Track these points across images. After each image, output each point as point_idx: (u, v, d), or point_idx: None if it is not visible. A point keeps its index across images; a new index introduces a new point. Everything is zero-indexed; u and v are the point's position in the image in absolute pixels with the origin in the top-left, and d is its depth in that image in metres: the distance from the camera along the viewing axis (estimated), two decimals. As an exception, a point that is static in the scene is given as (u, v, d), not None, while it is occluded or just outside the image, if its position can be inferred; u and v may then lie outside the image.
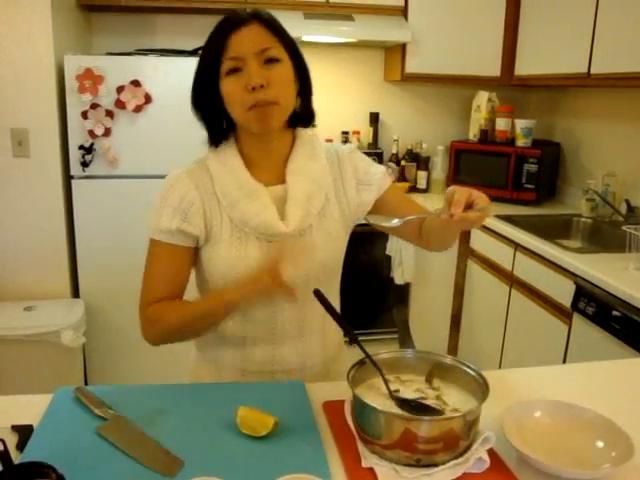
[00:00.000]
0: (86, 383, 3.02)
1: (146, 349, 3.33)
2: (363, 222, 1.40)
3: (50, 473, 0.85)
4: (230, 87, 1.19)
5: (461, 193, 1.14)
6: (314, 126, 1.37)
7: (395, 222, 1.20)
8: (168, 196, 1.27)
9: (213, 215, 1.27)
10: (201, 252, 1.30)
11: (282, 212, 1.27)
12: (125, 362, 3.10)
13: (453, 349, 3.40)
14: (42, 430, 1.08)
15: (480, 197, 1.16)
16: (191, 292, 1.37)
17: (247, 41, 1.17)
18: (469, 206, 1.15)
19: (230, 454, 1.02)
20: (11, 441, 1.02)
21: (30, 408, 1.16)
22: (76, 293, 3.01)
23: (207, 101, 1.24)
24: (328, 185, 1.34)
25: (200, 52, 1.25)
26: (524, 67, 3.39)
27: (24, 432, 1.07)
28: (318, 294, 1.21)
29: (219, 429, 1.09)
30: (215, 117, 1.27)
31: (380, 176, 1.41)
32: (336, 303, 1.42)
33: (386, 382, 1.12)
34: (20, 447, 1.02)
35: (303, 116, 1.33)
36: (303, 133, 1.35)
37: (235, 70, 1.18)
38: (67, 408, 1.15)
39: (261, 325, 1.32)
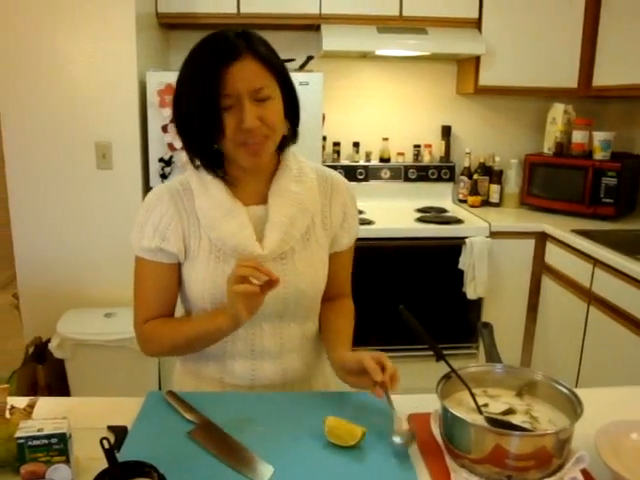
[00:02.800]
0: (160, 388, 3.10)
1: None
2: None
3: (152, 473, 0.88)
4: (225, 125, 1.16)
5: (369, 362, 1.14)
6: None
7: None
8: (149, 214, 1.28)
9: (192, 234, 1.27)
10: (182, 269, 1.31)
11: (261, 233, 1.26)
12: (198, 370, 3.17)
13: (526, 365, 3.32)
14: (136, 431, 1.12)
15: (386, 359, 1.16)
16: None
17: (241, 79, 1.14)
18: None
19: (318, 463, 1.03)
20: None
21: (123, 410, 1.21)
22: (153, 301, 3.09)
23: (196, 126, 1.19)
24: (314, 209, 1.32)
25: (187, 74, 1.20)
26: (603, 77, 3.30)
27: (119, 433, 1.11)
28: (404, 313, 1.21)
29: (307, 438, 1.10)
30: (201, 140, 1.22)
31: (356, 230, 1.41)
32: (315, 327, 1.41)
33: (473, 395, 1.11)
34: (116, 446, 1.06)
35: (289, 139, 1.30)
36: (289, 154, 1.33)
37: (227, 108, 1.16)
38: (158, 411, 1.19)
39: (241, 341, 1.31)
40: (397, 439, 1.07)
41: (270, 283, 1.12)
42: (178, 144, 2.89)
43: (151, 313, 1.31)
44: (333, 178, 1.38)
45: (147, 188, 2.98)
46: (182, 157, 2.91)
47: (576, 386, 2.86)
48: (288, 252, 1.28)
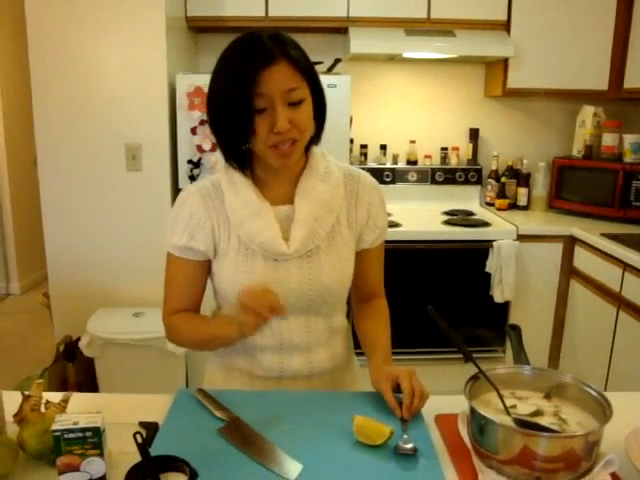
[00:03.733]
0: (187, 386, 3.13)
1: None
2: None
3: (184, 467, 0.90)
4: (258, 127, 1.19)
5: (407, 393, 1.18)
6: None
7: None
8: (179, 213, 1.32)
9: (221, 231, 1.31)
10: (212, 265, 1.35)
11: (287, 232, 1.29)
12: (224, 370, 3.20)
13: (553, 368, 3.28)
14: (167, 428, 1.14)
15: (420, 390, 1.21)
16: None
17: (275, 82, 1.17)
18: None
19: (346, 462, 1.04)
20: (141, 436, 1.08)
21: (154, 407, 1.23)
22: (180, 301, 3.13)
23: (229, 126, 1.23)
24: (340, 208, 1.34)
25: (222, 74, 1.22)
26: (634, 79, 3.26)
27: (150, 429, 1.13)
28: (432, 313, 1.22)
29: (335, 436, 1.11)
30: (234, 140, 1.26)
31: (383, 229, 1.42)
32: (342, 321, 1.44)
33: (501, 397, 1.11)
34: (147, 442, 1.08)
35: (314, 139, 1.32)
36: (316, 154, 1.36)
37: (262, 109, 1.18)
38: (189, 409, 1.21)
39: (269, 335, 1.34)
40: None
41: (276, 309, 1.15)
42: (207, 146, 2.93)
43: (178, 305, 1.37)
44: (360, 177, 1.40)
45: (176, 189, 3.02)
46: (211, 159, 2.95)
47: (605, 390, 2.82)
48: (314, 250, 1.31)
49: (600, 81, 3.39)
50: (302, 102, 1.21)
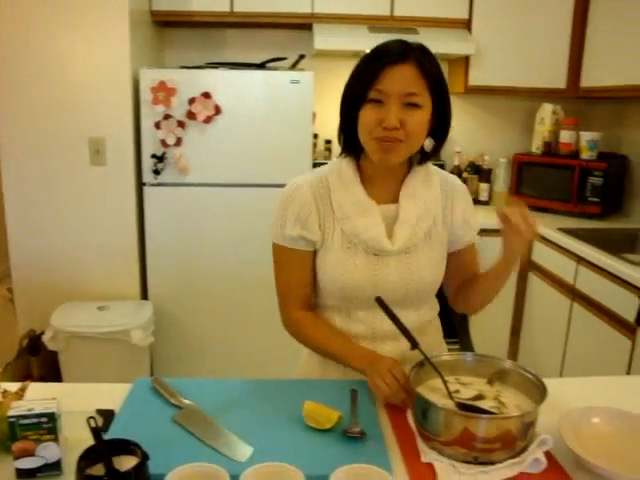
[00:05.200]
0: (152, 382, 3.15)
1: (210, 350, 3.45)
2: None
3: (136, 450, 0.93)
4: (366, 115, 1.26)
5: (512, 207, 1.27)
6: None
7: None
8: (289, 205, 1.38)
9: (327, 224, 1.37)
10: (316, 256, 1.41)
11: (390, 230, 1.36)
12: (190, 361, 3.22)
13: (512, 358, 3.37)
14: (123, 415, 1.17)
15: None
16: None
17: (398, 81, 1.23)
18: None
19: (296, 444, 1.09)
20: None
21: (112, 395, 1.26)
22: (145, 295, 3.15)
23: (348, 114, 1.32)
24: (437, 210, 1.41)
25: (360, 61, 1.31)
26: (591, 78, 3.35)
27: (107, 416, 1.16)
28: (380, 302, 1.29)
29: (286, 421, 1.15)
30: (351, 129, 1.33)
31: (477, 228, 1.50)
32: (432, 313, 1.51)
33: (445, 382, 1.16)
34: (104, 429, 1.11)
35: (428, 155, 1.38)
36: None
37: (376, 101, 1.25)
38: (145, 397, 1.25)
39: (363, 324, 1.41)
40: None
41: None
42: (171, 140, 2.94)
43: (297, 293, 1.44)
44: (454, 181, 1.47)
45: (140, 183, 3.03)
46: (175, 153, 2.96)
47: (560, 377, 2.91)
48: (412, 248, 1.38)
49: (558, 80, 3.48)
50: (418, 108, 1.25)
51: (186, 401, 1.21)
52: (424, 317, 1.46)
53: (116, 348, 2.81)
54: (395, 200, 1.38)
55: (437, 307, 1.53)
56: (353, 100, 1.28)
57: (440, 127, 1.33)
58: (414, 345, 1.24)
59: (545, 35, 3.42)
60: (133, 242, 3.06)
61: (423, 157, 1.39)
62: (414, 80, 1.24)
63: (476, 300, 1.49)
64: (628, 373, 2.39)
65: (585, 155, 3.38)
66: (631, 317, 2.35)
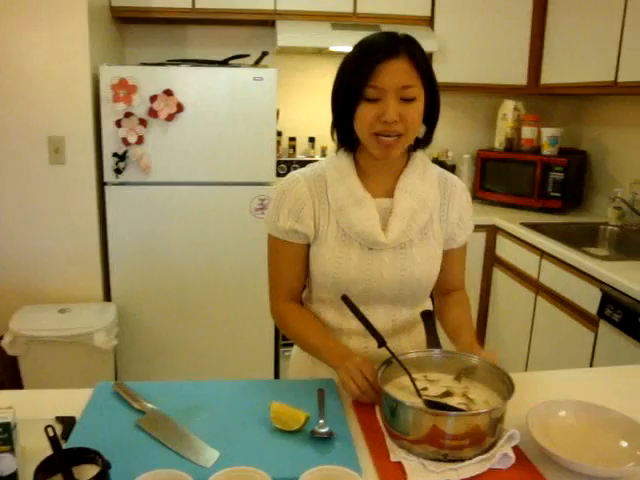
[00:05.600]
0: (117, 385, 3.09)
1: (175, 351, 3.40)
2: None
3: (96, 458, 0.90)
4: (363, 112, 1.26)
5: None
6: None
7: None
8: (285, 197, 1.38)
9: (322, 217, 1.37)
10: (310, 249, 1.41)
11: (385, 224, 1.36)
12: (155, 364, 3.17)
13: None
14: (84, 421, 1.14)
15: None
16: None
17: (393, 76, 1.23)
18: None
19: (263, 447, 1.07)
20: (56, 431, 1.07)
21: (72, 401, 1.22)
22: (108, 297, 3.08)
23: (342, 111, 1.32)
24: (434, 206, 1.41)
25: (349, 58, 1.30)
26: (550, 76, 3.40)
27: (68, 423, 1.12)
28: (346, 300, 1.30)
29: (253, 423, 1.13)
30: (346, 125, 1.34)
31: (471, 228, 1.50)
32: (427, 308, 1.50)
33: (413, 380, 1.16)
34: (64, 437, 1.08)
35: (422, 141, 1.39)
36: (417, 154, 1.43)
37: (373, 99, 1.25)
38: (107, 402, 1.21)
39: (355, 320, 1.37)
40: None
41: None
42: (132, 139, 2.88)
43: (286, 286, 1.44)
44: (453, 180, 1.47)
45: (101, 183, 2.97)
46: (137, 152, 2.90)
47: (525, 371, 2.95)
48: (407, 243, 1.38)
49: (519, 77, 3.52)
50: (414, 100, 1.26)
51: (149, 405, 1.18)
52: (418, 316, 1.45)
53: (79, 352, 2.75)
54: (391, 194, 1.38)
55: (431, 306, 1.53)
56: (347, 97, 1.28)
57: (431, 113, 1.34)
58: (381, 343, 1.23)
59: (506, 32, 3.45)
60: (95, 242, 3.00)
61: (417, 144, 1.39)
62: (408, 73, 1.24)
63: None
64: (591, 364, 2.43)
65: (546, 151, 3.42)
66: (593, 309, 2.38)
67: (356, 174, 1.37)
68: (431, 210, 1.40)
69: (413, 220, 1.36)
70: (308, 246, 1.41)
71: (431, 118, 1.35)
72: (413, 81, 1.25)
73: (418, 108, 1.27)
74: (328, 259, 1.36)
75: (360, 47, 1.29)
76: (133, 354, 3.15)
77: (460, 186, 1.48)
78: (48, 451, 0.91)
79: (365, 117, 1.26)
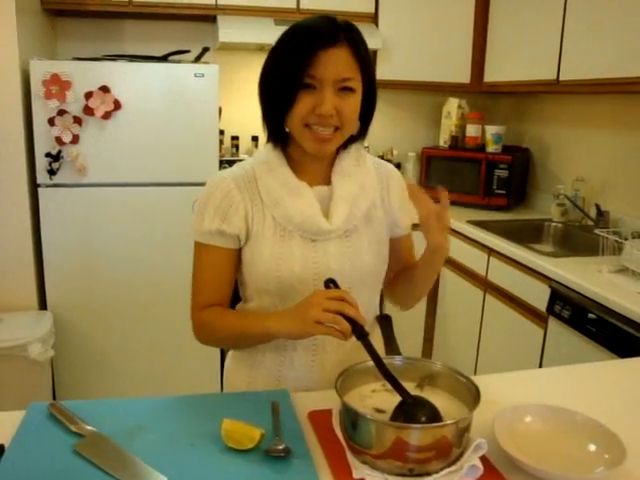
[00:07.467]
0: (54, 398, 2.93)
1: (116, 362, 3.26)
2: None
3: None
4: (297, 103, 1.18)
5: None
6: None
7: None
8: (210, 197, 1.28)
9: (255, 215, 1.27)
10: (242, 253, 1.30)
11: (326, 211, 1.28)
12: (95, 376, 3.02)
13: (427, 355, 3.40)
14: (15, 449, 1.02)
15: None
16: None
17: (332, 66, 1.16)
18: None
19: (215, 469, 0.98)
20: (-18, 461, 0.96)
21: (2, 426, 1.11)
22: (44, 305, 2.92)
23: (272, 100, 1.23)
24: (374, 190, 1.36)
25: (284, 42, 1.21)
26: (493, 74, 3.43)
27: (-4, 451, 1.01)
28: (329, 282, 1.20)
29: (203, 443, 1.04)
30: (276, 115, 1.25)
31: (414, 214, 1.40)
32: (376, 305, 1.45)
33: (399, 384, 1.09)
34: (-8, 467, 0.97)
35: (356, 138, 1.33)
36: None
37: (309, 86, 1.17)
38: (41, 425, 1.10)
39: None
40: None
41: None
42: (67, 138, 2.74)
43: (209, 298, 1.30)
44: (387, 166, 1.43)
45: (34, 184, 2.81)
46: (72, 151, 2.76)
47: (475, 373, 2.95)
48: (352, 230, 1.31)
49: (463, 75, 3.54)
50: (352, 93, 1.20)
51: (88, 427, 1.07)
52: (374, 313, 1.41)
53: (12, 365, 2.58)
54: (327, 182, 1.31)
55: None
56: (280, 86, 1.19)
57: (368, 108, 1.28)
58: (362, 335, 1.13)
59: (449, 31, 3.47)
60: (28, 248, 2.83)
61: (349, 140, 1.31)
62: (348, 64, 1.18)
63: (410, 291, 1.45)
64: (541, 360, 2.44)
65: (490, 148, 3.45)
66: (542, 306, 2.39)
67: (287, 165, 1.29)
68: (372, 195, 1.34)
69: (355, 205, 1.30)
70: (238, 252, 1.30)
71: (367, 113, 1.28)
72: (352, 73, 1.19)
73: (355, 101, 1.21)
74: (268, 257, 1.25)
75: (295, 31, 1.20)
76: (71, 366, 3.00)
77: (395, 173, 1.43)
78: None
79: (298, 108, 1.18)
